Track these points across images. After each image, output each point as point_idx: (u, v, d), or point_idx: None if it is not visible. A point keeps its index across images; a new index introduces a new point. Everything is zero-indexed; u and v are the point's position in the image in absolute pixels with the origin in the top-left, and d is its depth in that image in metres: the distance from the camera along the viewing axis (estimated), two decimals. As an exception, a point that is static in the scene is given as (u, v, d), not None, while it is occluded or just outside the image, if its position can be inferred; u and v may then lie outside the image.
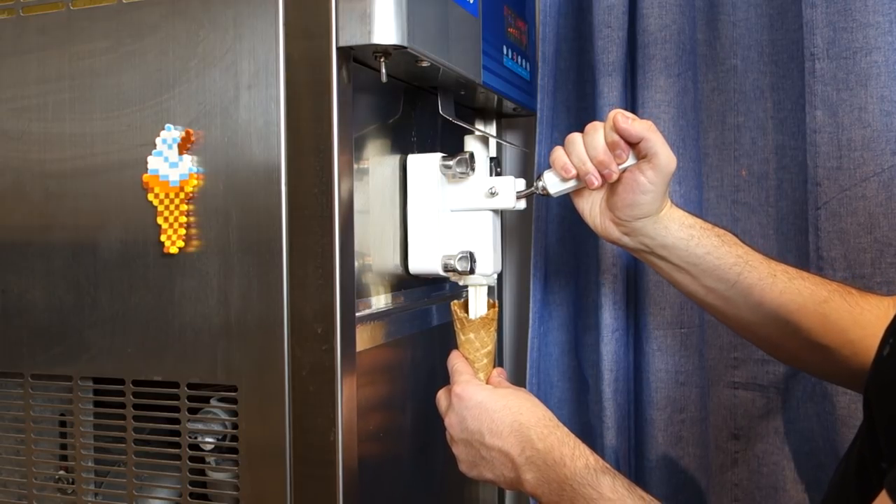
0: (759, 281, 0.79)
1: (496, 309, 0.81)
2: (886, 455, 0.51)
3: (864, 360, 0.75)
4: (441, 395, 0.78)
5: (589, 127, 0.78)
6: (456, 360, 0.79)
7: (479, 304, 0.82)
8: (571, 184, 0.81)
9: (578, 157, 0.78)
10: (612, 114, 0.76)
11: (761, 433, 1.05)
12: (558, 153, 0.80)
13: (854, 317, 0.76)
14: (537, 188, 0.82)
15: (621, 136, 0.75)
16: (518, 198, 0.85)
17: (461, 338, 0.80)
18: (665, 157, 0.76)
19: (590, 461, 0.68)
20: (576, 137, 0.79)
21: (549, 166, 0.82)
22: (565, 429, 0.71)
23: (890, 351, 0.55)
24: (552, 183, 0.81)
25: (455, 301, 0.81)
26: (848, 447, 0.64)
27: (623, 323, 1.02)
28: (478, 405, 0.73)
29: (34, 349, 0.81)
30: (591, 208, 0.83)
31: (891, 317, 0.75)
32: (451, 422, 0.75)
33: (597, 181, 0.78)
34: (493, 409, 0.72)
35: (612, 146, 0.76)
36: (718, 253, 0.79)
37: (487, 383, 0.78)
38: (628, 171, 0.77)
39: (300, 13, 0.71)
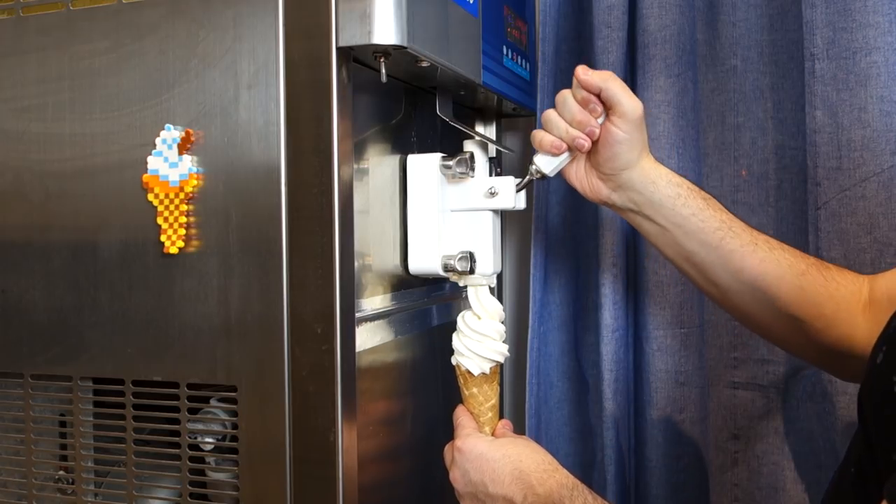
0: (741, 247, 0.79)
1: (497, 365, 0.82)
2: (883, 462, 0.51)
3: (834, 334, 0.77)
4: (446, 451, 0.80)
5: (558, 98, 0.80)
6: (460, 415, 0.81)
7: (481, 304, 0.82)
8: (563, 157, 0.81)
9: (561, 128, 0.79)
10: (575, 72, 0.78)
11: (761, 433, 1.05)
12: (541, 134, 0.81)
13: (829, 291, 0.78)
14: (532, 174, 0.83)
15: (584, 89, 0.77)
16: (518, 190, 0.85)
17: (465, 392, 0.82)
18: (628, 103, 0.77)
19: (588, 499, 0.70)
20: (551, 113, 0.81)
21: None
22: (564, 471, 0.73)
23: (883, 359, 0.55)
24: (544, 163, 0.82)
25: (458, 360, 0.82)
26: (845, 453, 0.64)
27: (623, 323, 1.02)
28: (478, 457, 0.75)
29: (34, 349, 0.81)
30: (577, 171, 0.84)
31: (864, 294, 0.77)
32: (454, 476, 0.77)
33: (586, 142, 0.79)
34: (493, 459, 0.74)
35: (584, 103, 0.78)
36: (703, 216, 0.80)
37: (493, 435, 0.80)
38: (603, 130, 0.79)
39: (300, 13, 0.71)
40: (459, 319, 0.82)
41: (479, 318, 0.81)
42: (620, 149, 0.78)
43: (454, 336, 0.82)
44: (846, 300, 0.77)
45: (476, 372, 0.80)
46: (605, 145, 0.79)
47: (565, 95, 0.79)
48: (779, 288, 0.78)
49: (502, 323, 0.82)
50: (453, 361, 0.82)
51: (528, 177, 0.83)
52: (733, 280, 0.80)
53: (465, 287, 0.85)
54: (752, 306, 0.81)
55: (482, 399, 0.81)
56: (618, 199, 0.82)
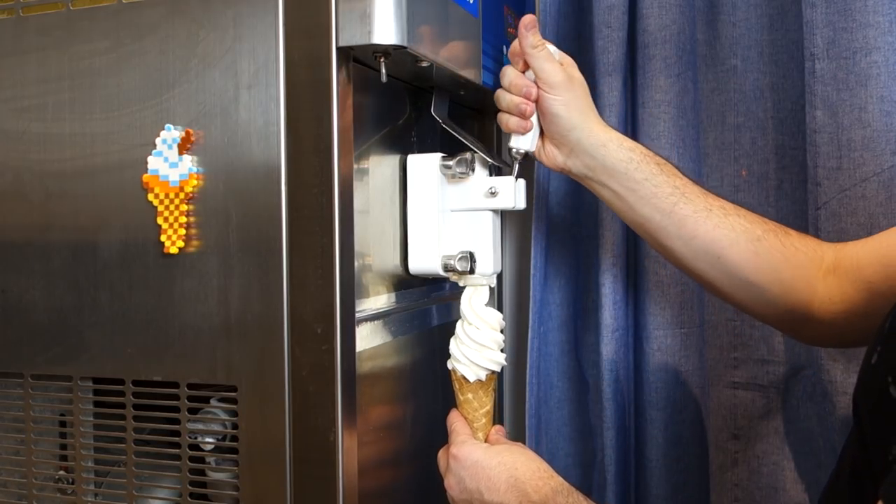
0: (694, 213, 0.80)
1: (494, 372, 0.82)
2: (879, 463, 0.51)
3: (792, 299, 0.78)
4: (440, 456, 0.80)
5: (500, 74, 0.84)
6: (454, 421, 0.82)
7: (477, 315, 0.82)
8: (533, 131, 0.83)
9: (507, 99, 0.82)
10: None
11: (761, 433, 1.05)
12: (505, 117, 0.83)
13: (786, 256, 0.78)
14: (516, 157, 0.84)
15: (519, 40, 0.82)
16: (516, 179, 0.85)
17: (460, 398, 0.82)
18: (548, 69, 0.80)
19: None
20: (499, 91, 0.84)
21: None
22: (559, 478, 0.73)
23: (878, 358, 0.55)
24: (521, 142, 0.83)
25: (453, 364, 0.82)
26: (840, 452, 0.64)
27: (623, 323, 1.02)
28: (474, 464, 0.75)
29: (34, 349, 0.81)
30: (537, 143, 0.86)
31: (827, 261, 0.77)
32: (449, 483, 0.77)
33: (527, 107, 0.81)
34: (488, 467, 0.74)
35: (511, 56, 0.83)
36: (656, 181, 0.80)
37: (486, 442, 0.80)
38: (539, 98, 0.82)
39: (300, 13, 0.71)
40: (458, 325, 0.82)
41: (478, 328, 0.81)
42: (558, 111, 0.81)
43: (452, 341, 0.82)
44: (803, 266, 0.77)
45: (472, 378, 0.80)
46: (546, 114, 0.82)
47: (504, 68, 0.83)
48: (732, 253, 0.79)
49: (501, 332, 0.82)
50: (449, 366, 0.82)
51: (514, 163, 0.85)
52: (688, 247, 0.81)
53: (464, 288, 0.85)
54: (710, 273, 0.81)
55: (477, 405, 0.81)
56: (573, 166, 0.84)
